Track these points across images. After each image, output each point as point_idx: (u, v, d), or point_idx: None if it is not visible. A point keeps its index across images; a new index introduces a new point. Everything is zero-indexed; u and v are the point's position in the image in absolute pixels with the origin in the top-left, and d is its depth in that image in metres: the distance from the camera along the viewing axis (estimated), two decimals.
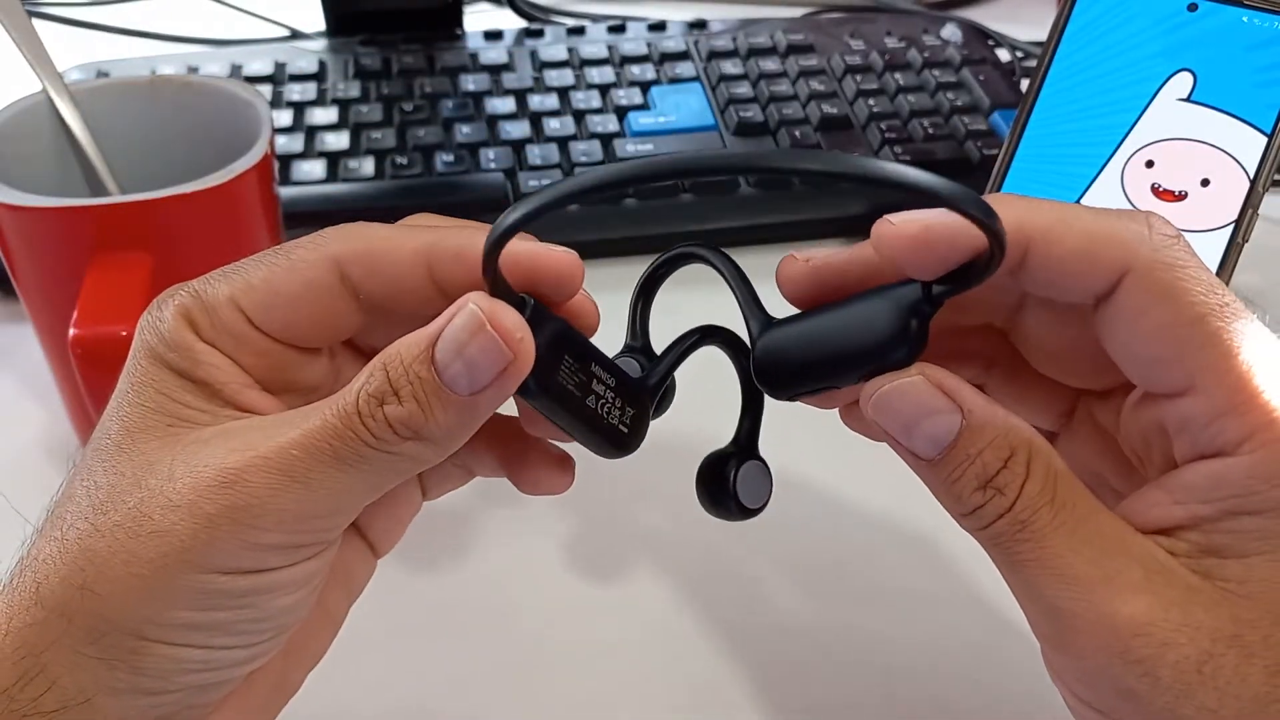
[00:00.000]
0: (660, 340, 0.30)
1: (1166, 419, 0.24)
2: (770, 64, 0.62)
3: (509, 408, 0.25)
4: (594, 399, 0.25)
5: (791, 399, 0.27)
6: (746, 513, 0.28)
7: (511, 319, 0.22)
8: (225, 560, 0.23)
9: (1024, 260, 0.24)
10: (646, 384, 0.27)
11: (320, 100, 0.59)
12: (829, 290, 0.26)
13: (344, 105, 0.59)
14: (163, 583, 0.22)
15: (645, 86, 0.60)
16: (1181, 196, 0.43)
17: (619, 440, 0.26)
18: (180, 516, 0.22)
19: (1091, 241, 0.23)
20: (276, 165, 0.42)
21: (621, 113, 0.58)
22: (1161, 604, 0.22)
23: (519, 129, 0.57)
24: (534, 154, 0.55)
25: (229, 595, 0.23)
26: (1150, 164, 0.43)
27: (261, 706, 0.27)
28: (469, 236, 0.25)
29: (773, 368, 0.27)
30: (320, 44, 0.66)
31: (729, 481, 0.28)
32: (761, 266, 0.52)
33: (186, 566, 0.22)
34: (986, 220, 0.21)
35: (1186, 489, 0.23)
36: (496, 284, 0.23)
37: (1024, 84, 0.59)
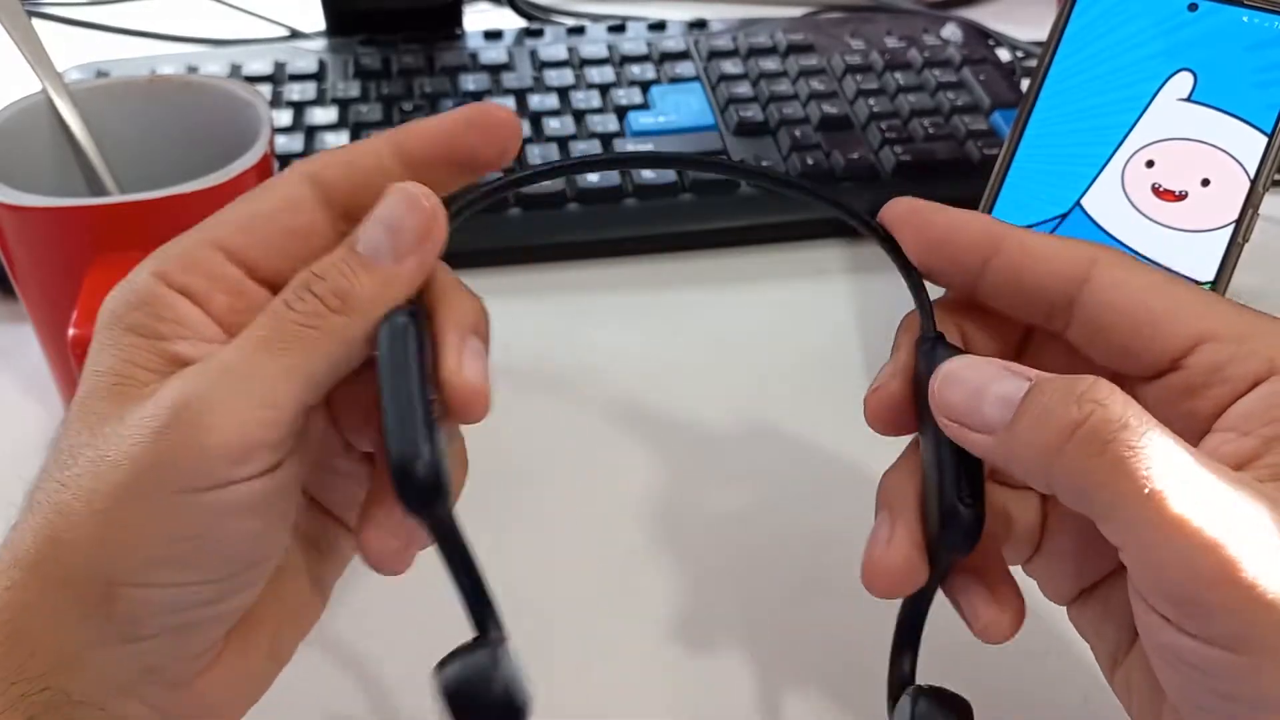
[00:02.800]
0: None
1: (1194, 378, 0.25)
2: (770, 64, 0.62)
3: None
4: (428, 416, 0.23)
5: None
6: None
7: (428, 190, 0.24)
8: (181, 475, 0.23)
9: (993, 260, 0.26)
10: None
11: (320, 100, 0.59)
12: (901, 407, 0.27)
13: (344, 105, 0.59)
14: (120, 514, 0.23)
15: (645, 86, 0.60)
16: (1181, 196, 0.43)
17: (429, 441, 0.23)
18: (133, 440, 0.23)
19: (1060, 239, 0.26)
20: (276, 165, 0.42)
21: (621, 112, 0.58)
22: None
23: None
24: (534, 154, 0.55)
25: (189, 519, 0.23)
26: (1150, 164, 0.43)
27: (253, 673, 0.27)
28: (432, 120, 0.26)
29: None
30: (320, 44, 0.66)
31: None
32: (762, 267, 0.52)
33: (141, 490, 0.22)
34: (860, 214, 0.26)
35: (1246, 419, 0.24)
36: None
37: (1024, 84, 0.59)
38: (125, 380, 0.24)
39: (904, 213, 0.28)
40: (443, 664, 0.23)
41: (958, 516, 0.25)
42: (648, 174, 0.54)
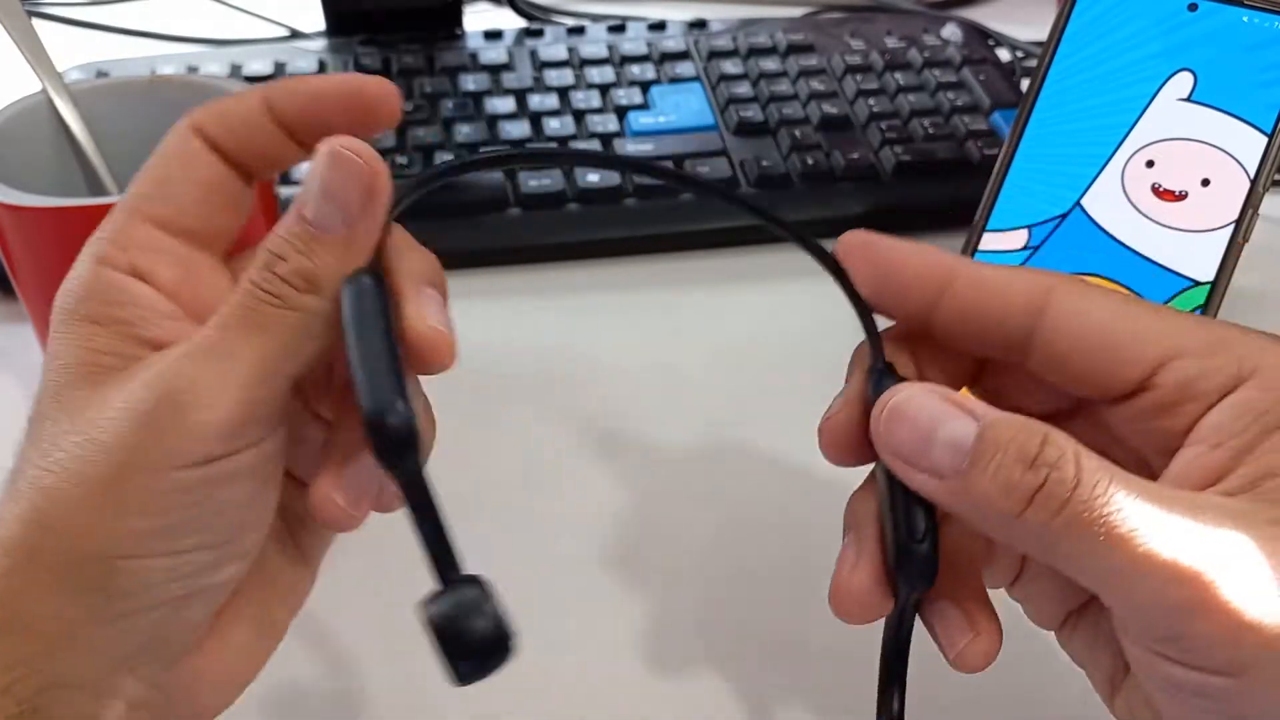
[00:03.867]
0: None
1: (1164, 397, 0.25)
2: (770, 64, 0.62)
3: None
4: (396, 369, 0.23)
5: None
6: None
7: (361, 145, 0.24)
8: (171, 453, 0.23)
9: (945, 295, 0.26)
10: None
11: None
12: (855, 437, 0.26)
13: None
14: (113, 493, 0.23)
15: (645, 86, 0.60)
16: (1181, 196, 0.43)
17: (401, 395, 0.23)
18: (120, 422, 0.23)
19: (1014, 269, 0.26)
20: None
21: (621, 112, 0.58)
22: (1264, 539, 0.22)
23: (519, 129, 0.57)
24: None
25: (180, 491, 0.23)
26: (1150, 164, 0.43)
27: (249, 646, 0.27)
28: (309, 80, 0.26)
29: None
30: (320, 44, 0.66)
31: None
32: (762, 267, 0.52)
33: (134, 468, 0.23)
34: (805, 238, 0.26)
35: (1217, 430, 0.24)
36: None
37: (1024, 84, 0.59)
38: (97, 368, 0.24)
39: (856, 245, 0.27)
40: (428, 602, 0.23)
41: (910, 556, 0.25)
42: None
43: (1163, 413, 0.25)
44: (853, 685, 0.33)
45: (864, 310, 0.27)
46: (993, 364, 0.28)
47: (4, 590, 0.23)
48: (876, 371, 0.26)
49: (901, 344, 0.28)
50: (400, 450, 0.23)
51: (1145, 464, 0.26)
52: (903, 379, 0.26)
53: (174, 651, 0.25)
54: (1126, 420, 0.26)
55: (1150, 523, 0.22)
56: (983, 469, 0.23)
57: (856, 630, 0.29)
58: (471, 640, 0.22)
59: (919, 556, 0.25)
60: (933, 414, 0.24)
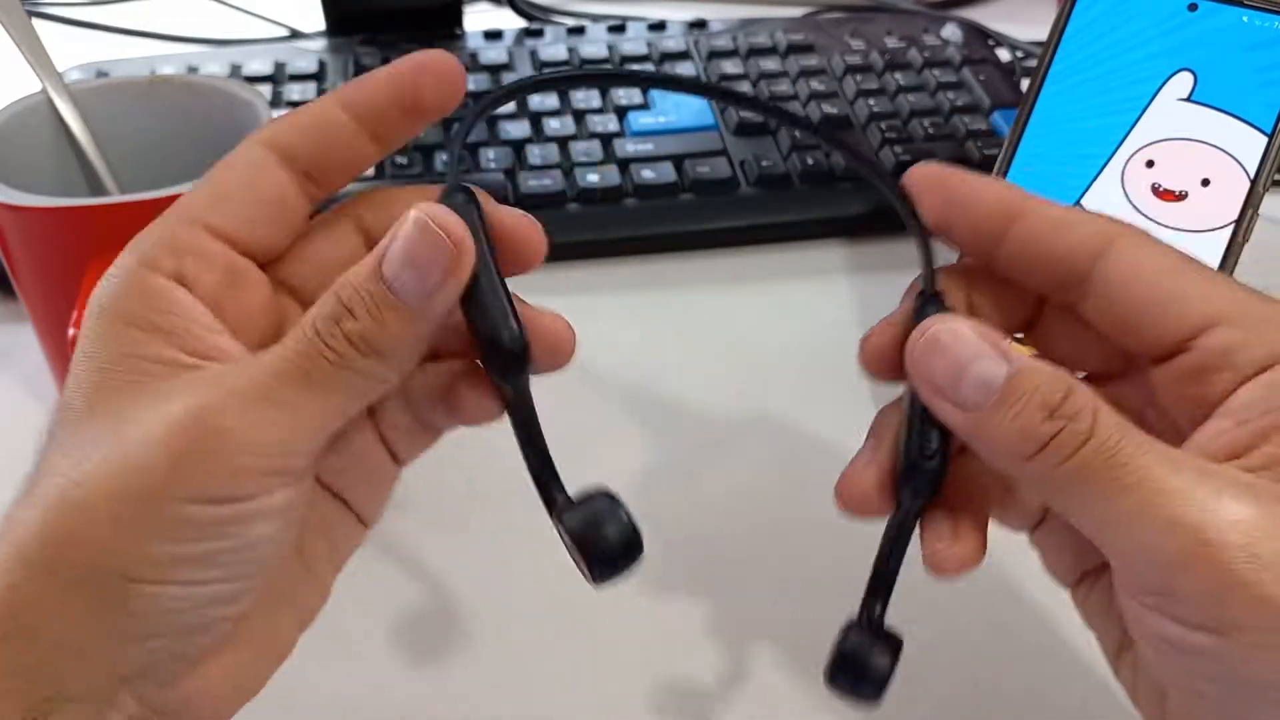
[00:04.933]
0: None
1: (1203, 361, 0.25)
2: (770, 64, 0.62)
3: None
4: (505, 291, 0.26)
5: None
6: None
7: (453, 220, 0.24)
8: (204, 488, 0.23)
9: (1013, 228, 0.26)
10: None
11: None
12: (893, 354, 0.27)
13: None
14: (144, 518, 0.23)
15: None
16: (1181, 196, 0.43)
17: (516, 337, 0.25)
18: (158, 451, 0.23)
19: (1083, 212, 0.26)
20: None
21: (621, 112, 0.58)
22: (1268, 512, 0.22)
23: (519, 129, 0.57)
24: (534, 154, 0.55)
25: (209, 525, 0.23)
26: (1150, 164, 0.43)
27: (253, 663, 0.26)
28: (379, 71, 0.26)
29: None
30: (320, 44, 0.66)
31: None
32: (762, 267, 0.52)
33: (167, 498, 0.23)
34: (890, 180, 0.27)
35: (1247, 407, 0.24)
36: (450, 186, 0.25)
37: (1024, 84, 0.59)
38: (134, 374, 0.24)
39: (928, 175, 0.27)
40: (561, 514, 0.26)
41: (918, 469, 0.26)
42: (648, 174, 0.54)
43: (1199, 378, 0.25)
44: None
45: (924, 238, 0.27)
46: (1046, 316, 0.28)
47: (18, 598, 0.23)
48: (925, 297, 0.27)
49: (959, 280, 0.28)
50: (514, 365, 0.25)
51: (1180, 433, 0.26)
52: (949, 308, 0.26)
53: (174, 673, 0.25)
54: (1166, 384, 0.26)
55: (1152, 479, 0.22)
56: (1005, 410, 0.23)
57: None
58: (606, 545, 0.25)
59: (926, 470, 0.26)
60: (968, 349, 0.24)
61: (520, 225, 0.27)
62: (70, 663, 0.23)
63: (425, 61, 0.26)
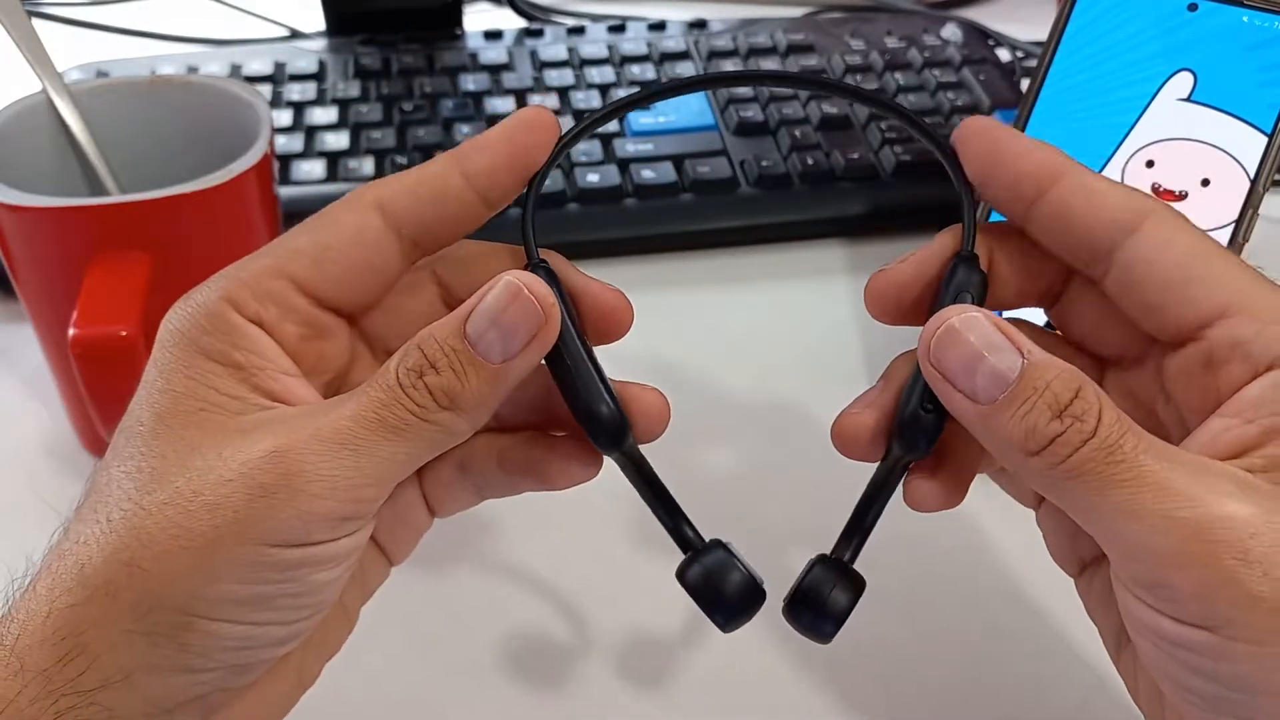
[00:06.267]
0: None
1: (1215, 350, 0.24)
2: (770, 64, 0.62)
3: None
4: (596, 365, 0.26)
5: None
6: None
7: (543, 288, 0.25)
8: (276, 532, 0.23)
9: (1051, 190, 0.26)
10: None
11: (320, 100, 0.59)
12: (905, 294, 0.27)
13: (344, 105, 0.59)
14: (213, 556, 0.23)
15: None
16: (1182, 196, 0.43)
17: (615, 411, 0.26)
18: (234, 489, 0.23)
19: (1120, 185, 0.26)
20: (276, 165, 0.42)
21: None
22: (1263, 511, 0.22)
23: None
24: None
25: (276, 569, 0.23)
26: (1150, 164, 0.43)
27: (283, 694, 0.27)
28: (490, 132, 0.27)
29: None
30: (320, 44, 0.66)
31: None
32: (762, 267, 0.52)
33: (238, 539, 0.23)
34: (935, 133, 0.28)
35: (1255, 405, 0.24)
36: (529, 249, 0.26)
37: (1024, 84, 0.59)
38: (208, 406, 0.24)
39: (977, 130, 0.27)
40: (682, 571, 0.27)
41: (915, 421, 0.26)
42: (648, 173, 0.54)
43: (1209, 368, 0.25)
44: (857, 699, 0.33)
45: (968, 193, 0.27)
46: (1071, 291, 0.28)
47: (77, 619, 0.23)
48: (960, 258, 0.27)
49: (985, 239, 0.28)
50: (616, 436, 0.26)
51: (1187, 425, 0.26)
52: (982, 274, 0.26)
53: (218, 704, 0.25)
54: (1178, 373, 0.26)
55: (1149, 475, 0.22)
56: (1014, 408, 0.23)
57: (859, 645, 0.29)
58: (726, 594, 0.26)
59: (923, 423, 0.26)
60: (984, 341, 0.24)
61: (607, 297, 0.27)
62: (119, 690, 0.23)
63: (533, 120, 0.26)
